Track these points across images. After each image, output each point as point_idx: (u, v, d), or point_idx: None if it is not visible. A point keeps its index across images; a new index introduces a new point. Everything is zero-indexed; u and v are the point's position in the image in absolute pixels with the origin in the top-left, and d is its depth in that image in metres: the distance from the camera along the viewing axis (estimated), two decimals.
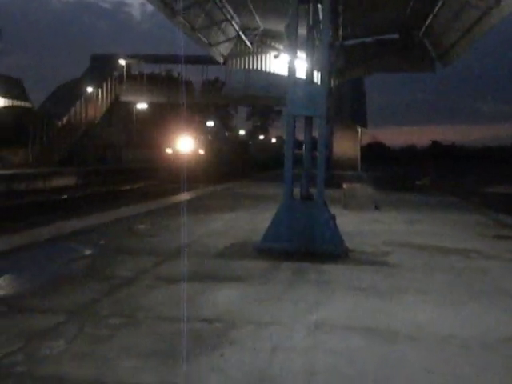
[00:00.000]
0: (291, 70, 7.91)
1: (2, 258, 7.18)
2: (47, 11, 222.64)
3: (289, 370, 3.66)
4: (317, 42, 9.86)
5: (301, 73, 9.12)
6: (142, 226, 10.36)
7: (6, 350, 3.90)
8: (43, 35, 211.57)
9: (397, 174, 26.65)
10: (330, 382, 3.52)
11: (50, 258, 7.35)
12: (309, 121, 8.33)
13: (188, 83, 66.73)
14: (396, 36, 25.71)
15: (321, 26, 8.81)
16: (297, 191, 8.20)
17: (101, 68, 51.97)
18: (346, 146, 37.88)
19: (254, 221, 11.01)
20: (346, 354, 3.96)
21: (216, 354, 3.91)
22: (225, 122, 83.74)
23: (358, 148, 42.68)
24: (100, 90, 50.13)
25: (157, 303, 5.20)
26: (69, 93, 47.08)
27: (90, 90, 48.18)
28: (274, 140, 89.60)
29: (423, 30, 23.48)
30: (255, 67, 27.05)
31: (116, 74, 54.04)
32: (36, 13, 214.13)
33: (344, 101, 36.30)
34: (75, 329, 4.40)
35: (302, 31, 9.37)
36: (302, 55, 9.78)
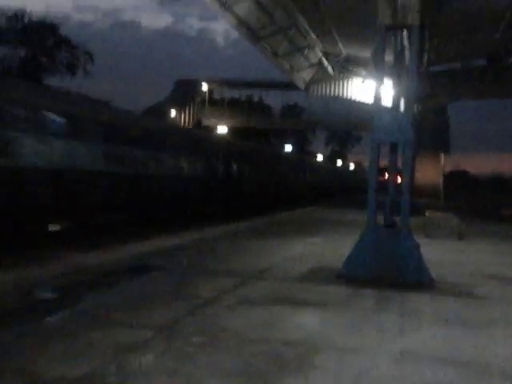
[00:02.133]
0: (377, 97, 7.89)
1: None
2: (137, 39, 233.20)
3: None
4: (403, 69, 9.77)
5: (384, 99, 9.07)
6: None
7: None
8: (132, 61, 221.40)
9: (483, 203, 25.68)
10: None
11: None
12: (394, 147, 8.26)
13: (267, 107, 67.62)
14: (483, 61, 25.02)
15: (407, 53, 8.75)
16: (380, 219, 8.11)
17: (184, 92, 53.62)
18: (428, 173, 36.92)
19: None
20: None
21: (300, 377, 3.91)
22: (303, 147, 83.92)
23: (441, 175, 41.51)
24: (183, 114, 51.64)
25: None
26: (153, 116, 48.81)
27: (173, 113, 49.72)
28: (352, 166, 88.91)
29: None
30: (336, 93, 27.07)
31: (199, 98, 55.56)
32: (127, 39, 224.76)
33: (426, 127, 35.56)
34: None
35: (388, 57, 9.36)
36: (387, 81, 9.73)
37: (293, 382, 3.83)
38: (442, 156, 41.18)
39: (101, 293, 6.52)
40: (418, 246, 7.61)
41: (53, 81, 41.23)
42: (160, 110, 49.44)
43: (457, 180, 78.02)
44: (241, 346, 4.59)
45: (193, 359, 4.23)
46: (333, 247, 10.86)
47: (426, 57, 21.94)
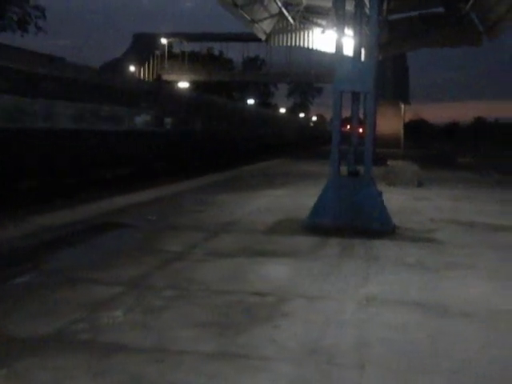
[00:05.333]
0: (339, 46, 7.86)
1: None
2: None
3: (341, 342, 3.73)
4: (364, 17, 9.72)
5: (346, 49, 9.04)
6: None
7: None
8: (86, 16, 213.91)
9: (440, 151, 26.19)
10: (383, 353, 3.58)
11: None
12: (356, 97, 8.29)
13: (228, 61, 66.79)
14: (441, 10, 25.00)
15: (367, 1, 8.69)
16: (343, 169, 8.20)
17: (142, 47, 52.39)
18: (389, 122, 37.26)
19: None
20: (398, 328, 4.01)
21: (270, 326, 4.01)
22: (265, 100, 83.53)
23: (402, 125, 41.97)
24: (142, 69, 50.57)
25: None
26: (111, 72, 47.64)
27: (132, 69, 48.65)
28: (314, 118, 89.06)
29: (470, 2, 22.79)
30: (297, 44, 26.76)
31: (157, 53, 54.40)
32: None
33: (387, 77, 35.69)
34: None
35: (349, 6, 9.29)
36: (347, 31, 9.69)
37: (263, 331, 3.92)
38: (402, 106, 41.55)
39: (67, 252, 6.48)
40: (380, 194, 7.76)
41: (2, 38, 39.61)
42: (117, 66, 48.29)
43: (416, 129, 79.20)
44: (211, 298, 4.67)
45: (163, 313, 4.29)
46: (299, 198, 10.97)
47: (385, 5, 21.82)
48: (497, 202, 11.38)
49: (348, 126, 9.47)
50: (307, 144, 54.43)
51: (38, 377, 3.19)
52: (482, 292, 4.95)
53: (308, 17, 24.54)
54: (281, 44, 27.22)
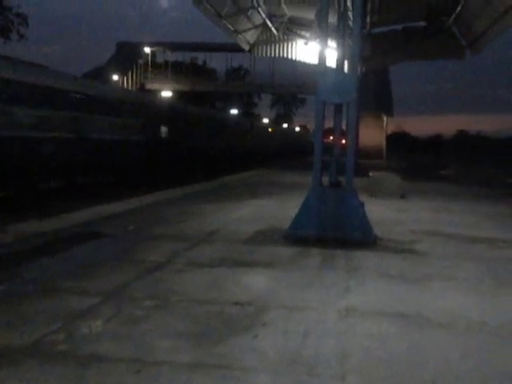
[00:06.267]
0: (322, 58, 7.90)
1: None
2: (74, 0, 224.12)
3: (321, 352, 3.72)
4: (346, 30, 9.81)
5: (329, 60, 9.11)
6: None
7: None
8: (70, 24, 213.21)
9: (422, 163, 26.44)
10: (363, 364, 3.58)
11: None
12: (338, 108, 8.34)
13: (212, 71, 66.88)
14: (424, 24, 25.35)
15: (351, 14, 8.77)
16: (325, 180, 8.22)
17: (125, 56, 52.26)
18: (372, 134, 37.53)
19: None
20: (378, 339, 4.01)
21: (249, 336, 3.99)
22: (248, 110, 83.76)
23: (384, 137, 42.32)
24: (125, 78, 50.43)
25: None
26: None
27: (115, 78, 48.47)
28: (297, 128, 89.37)
29: (453, 17, 23.14)
30: (281, 55, 26.93)
31: (141, 62, 54.31)
32: (63, 1, 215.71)
33: (369, 89, 35.99)
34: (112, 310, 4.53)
35: (332, 19, 9.37)
36: (331, 43, 9.76)
37: (242, 341, 3.90)
38: (385, 118, 41.92)
39: (46, 261, 6.39)
40: (362, 205, 7.79)
41: None
42: (99, 75, 48.06)
43: (399, 141, 79.97)
44: (191, 308, 4.63)
45: (142, 323, 4.24)
46: (280, 208, 10.99)
47: (368, 18, 22.07)
48: (475, 214, 11.49)
49: (331, 137, 9.50)
50: (291, 155, 54.64)
51: None
52: (462, 304, 4.97)
53: (292, 28, 24.73)
54: (264, 55, 27.37)
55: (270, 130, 53.75)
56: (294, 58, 26.79)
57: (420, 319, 4.47)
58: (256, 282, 5.58)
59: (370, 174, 21.07)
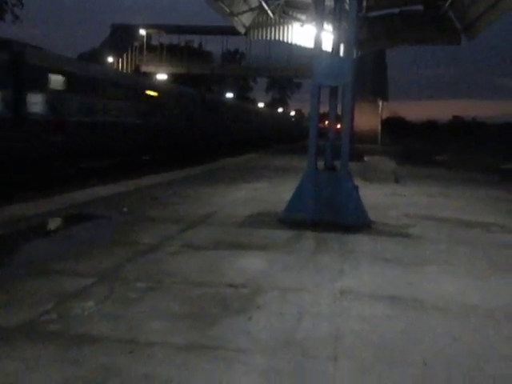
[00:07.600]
0: (317, 41, 7.85)
1: None
2: None
3: (315, 334, 3.73)
4: (343, 13, 9.73)
5: (325, 44, 9.05)
6: None
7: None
8: (65, 6, 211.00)
9: (417, 148, 26.46)
10: (357, 346, 3.59)
11: None
12: (333, 92, 8.30)
13: (208, 54, 66.43)
14: (421, 8, 25.17)
15: None
16: (320, 164, 8.21)
17: (120, 38, 51.81)
18: (367, 119, 37.47)
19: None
20: (372, 321, 4.02)
21: (243, 318, 4.00)
22: (243, 94, 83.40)
23: (379, 121, 42.28)
24: (120, 61, 50.04)
25: None
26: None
27: (110, 60, 48.09)
28: (292, 113, 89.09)
29: (449, 1, 22.99)
30: (277, 38, 26.70)
31: (136, 44, 53.88)
32: None
33: (365, 73, 35.86)
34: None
35: (328, 2, 9.29)
36: (327, 26, 9.69)
37: (236, 322, 3.90)
38: (380, 103, 41.85)
39: (40, 242, 6.39)
40: (356, 189, 7.78)
41: None
42: (94, 56, 47.67)
43: (394, 126, 79.92)
44: (185, 290, 4.63)
45: (136, 304, 4.24)
46: (276, 192, 10.98)
47: (365, 2, 21.90)
48: (470, 199, 11.51)
49: (326, 122, 9.46)
50: (288, 139, 54.44)
51: (8, 367, 3.13)
52: (457, 287, 4.98)
53: (288, 11, 24.50)
54: (260, 38, 27.14)
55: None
56: (290, 42, 26.61)
57: (414, 302, 4.49)
58: (251, 264, 5.58)
59: (365, 159, 21.08)
